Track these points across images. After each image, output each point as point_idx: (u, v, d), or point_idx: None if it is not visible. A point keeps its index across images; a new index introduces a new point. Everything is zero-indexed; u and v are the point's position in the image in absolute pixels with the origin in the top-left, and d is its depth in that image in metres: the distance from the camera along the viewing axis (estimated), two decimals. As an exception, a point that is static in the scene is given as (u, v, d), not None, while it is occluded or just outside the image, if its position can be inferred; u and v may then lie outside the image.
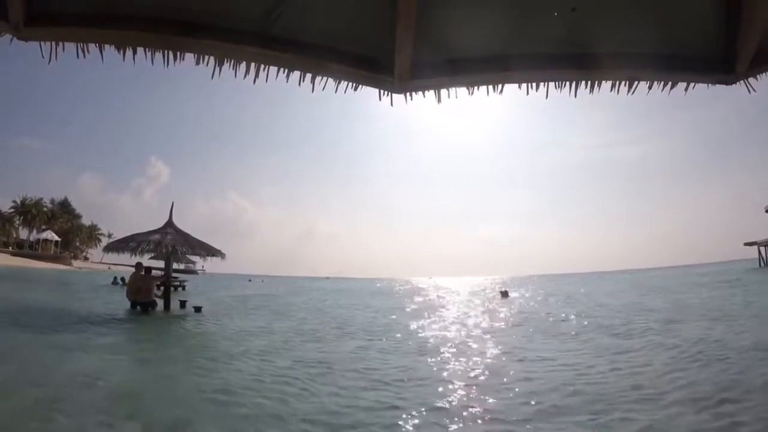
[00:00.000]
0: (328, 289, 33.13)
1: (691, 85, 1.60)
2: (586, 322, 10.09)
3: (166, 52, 1.42)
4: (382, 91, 1.58)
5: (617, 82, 1.59)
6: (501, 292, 24.25)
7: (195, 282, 27.22)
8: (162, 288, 12.52)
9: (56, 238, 68.00)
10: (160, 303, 11.76)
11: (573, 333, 8.56)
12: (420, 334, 8.98)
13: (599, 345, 7.13)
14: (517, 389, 4.53)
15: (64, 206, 79.58)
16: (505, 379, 4.99)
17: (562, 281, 44.56)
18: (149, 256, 13.29)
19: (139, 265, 11.68)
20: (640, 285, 25.69)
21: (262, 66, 1.50)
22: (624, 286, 26.02)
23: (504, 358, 6.28)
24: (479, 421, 3.67)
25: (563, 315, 12.06)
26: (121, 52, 1.42)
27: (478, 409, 3.93)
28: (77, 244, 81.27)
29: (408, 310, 15.70)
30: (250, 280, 53.32)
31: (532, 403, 4.03)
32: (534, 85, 1.59)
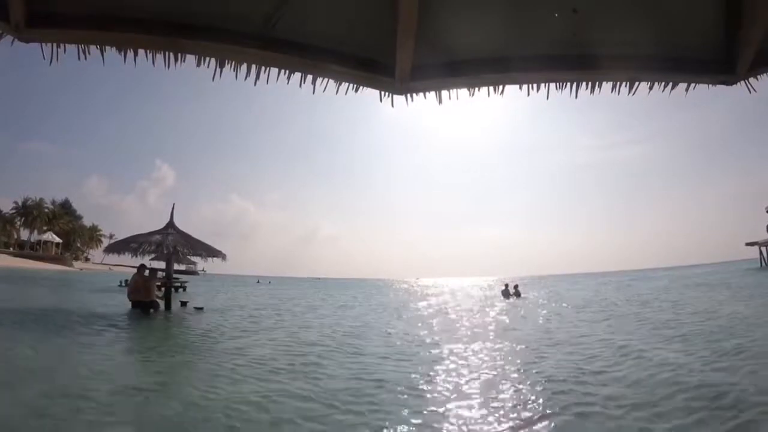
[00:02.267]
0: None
1: (692, 85, 1.60)
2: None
3: (167, 53, 1.43)
4: (382, 93, 1.58)
5: (618, 83, 1.59)
6: (503, 292, 19.42)
7: (195, 283, 26.88)
8: (163, 289, 12.53)
9: (57, 239, 68.13)
10: (161, 304, 11.78)
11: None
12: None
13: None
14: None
15: (65, 207, 79.72)
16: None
17: (563, 283, 44.44)
18: (150, 257, 13.32)
19: (142, 267, 11.71)
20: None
21: (263, 68, 1.50)
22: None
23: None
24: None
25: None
26: (122, 53, 1.42)
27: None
28: (78, 245, 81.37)
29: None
30: (258, 281, 50.87)
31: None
32: (535, 86, 1.59)
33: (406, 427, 3.48)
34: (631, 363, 5.50)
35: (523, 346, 7.05)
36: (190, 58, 1.45)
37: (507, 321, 11.27)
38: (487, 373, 5.30)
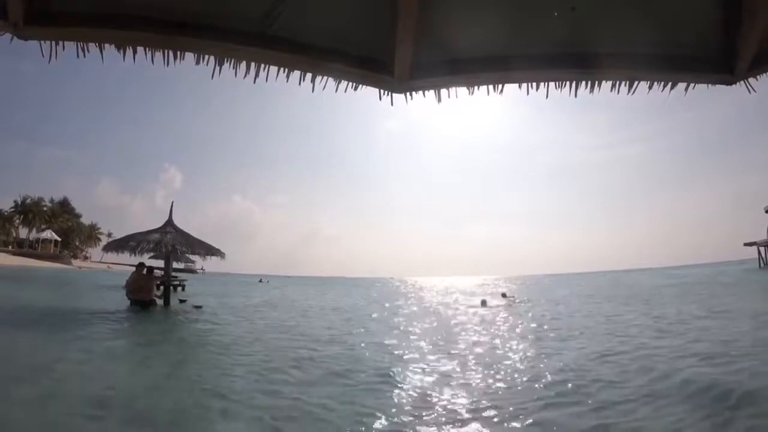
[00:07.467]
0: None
1: (691, 85, 1.60)
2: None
3: (166, 51, 1.42)
4: (382, 91, 1.58)
5: (617, 82, 1.59)
6: (502, 294, 19.44)
7: (194, 283, 26.64)
8: (162, 287, 12.53)
9: (56, 237, 67.93)
10: (159, 302, 11.78)
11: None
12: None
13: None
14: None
15: (64, 205, 79.48)
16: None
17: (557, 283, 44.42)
18: (149, 256, 13.33)
19: (140, 265, 11.70)
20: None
21: (262, 66, 1.49)
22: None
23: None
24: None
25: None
26: (121, 51, 1.42)
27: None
28: (77, 243, 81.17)
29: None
30: (260, 281, 46.62)
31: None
32: (534, 84, 1.59)
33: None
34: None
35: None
36: (189, 56, 1.44)
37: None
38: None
